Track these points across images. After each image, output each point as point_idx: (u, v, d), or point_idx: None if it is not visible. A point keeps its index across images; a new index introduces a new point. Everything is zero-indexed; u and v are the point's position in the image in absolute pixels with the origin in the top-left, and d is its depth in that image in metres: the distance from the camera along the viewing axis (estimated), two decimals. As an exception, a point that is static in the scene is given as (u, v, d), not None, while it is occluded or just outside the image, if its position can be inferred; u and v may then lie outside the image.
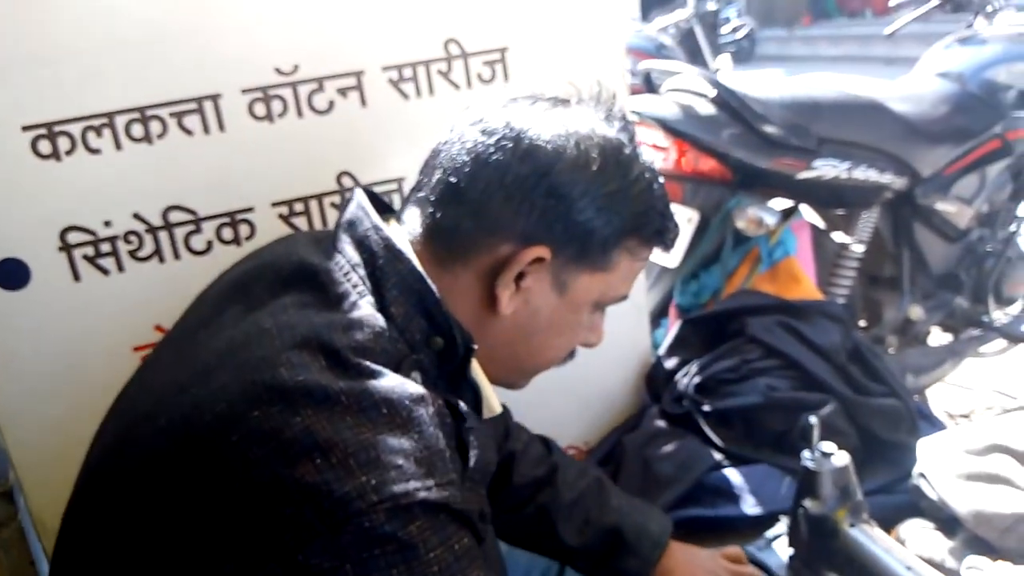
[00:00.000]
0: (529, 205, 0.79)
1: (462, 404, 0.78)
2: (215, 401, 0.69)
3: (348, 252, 0.80)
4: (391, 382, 0.70)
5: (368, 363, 0.71)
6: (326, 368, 0.69)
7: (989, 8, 2.55)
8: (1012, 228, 2.44)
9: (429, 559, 0.64)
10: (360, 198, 0.85)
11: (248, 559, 0.64)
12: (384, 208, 0.88)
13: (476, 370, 0.84)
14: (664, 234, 0.87)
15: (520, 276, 0.81)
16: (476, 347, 0.81)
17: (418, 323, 0.78)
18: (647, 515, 1.16)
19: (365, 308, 0.75)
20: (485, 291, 0.82)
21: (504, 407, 1.18)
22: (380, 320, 0.75)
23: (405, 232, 0.84)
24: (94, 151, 1.12)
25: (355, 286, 0.77)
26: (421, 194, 0.85)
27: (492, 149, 0.80)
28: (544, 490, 1.15)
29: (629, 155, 0.83)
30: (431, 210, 0.83)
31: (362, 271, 0.79)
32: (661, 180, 0.87)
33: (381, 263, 0.79)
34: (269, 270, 0.82)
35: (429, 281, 0.78)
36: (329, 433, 0.65)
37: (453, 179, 0.81)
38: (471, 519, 0.69)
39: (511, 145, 0.80)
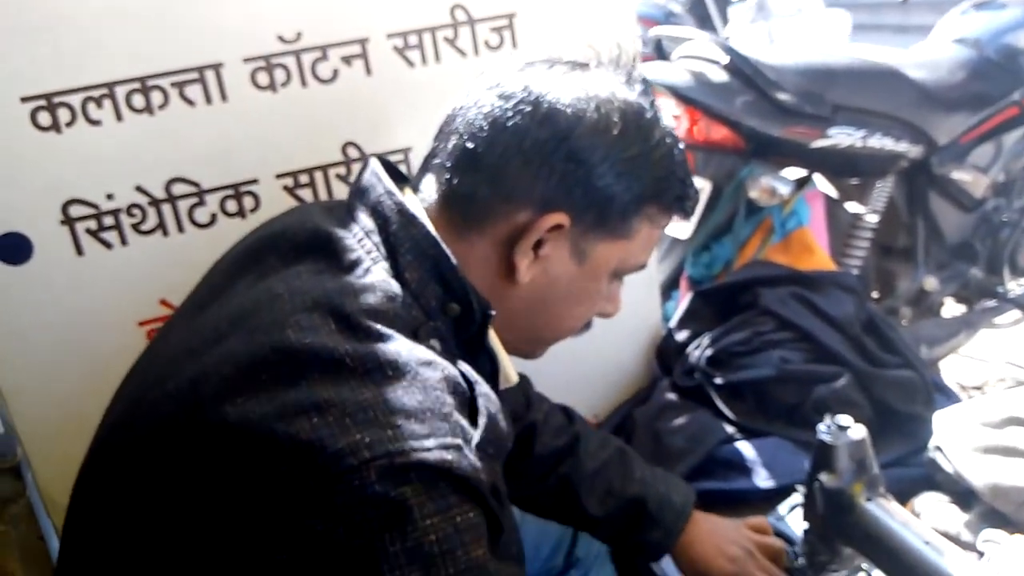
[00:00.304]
0: (548, 170, 0.78)
1: (473, 372, 0.76)
2: (222, 363, 0.68)
3: (362, 219, 0.79)
4: (400, 346, 0.69)
5: (379, 326, 0.69)
6: (335, 331, 0.68)
7: (1006, -28, 2.50)
8: (1029, 197, 2.41)
9: (425, 526, 0.61)
10: (374, 165, 0.84)
11: (250, 522, 0.63)
12: (399, 177, 0.87)
13: (493, 339, 0.83)
14: (684, 200, 0.86)
15: (538, 244, 0.80)
16: (493, 314, 0.80)
17: (433, 289, 0.76)
18: (670, 485, 1.15)
19: (378, 273, 0.74)
20: (502, 259, 0.81)
21: (524, 377, 1.17)
22: (394, 285, 0.74)
23: (419, 199, 0.83)
24: (95, 122, 1.10)
25: (368, 252, 0.76)
26: (437, 160, 0.83)
27: (510, 113, 0.78)
28: (566, 460, 1.14)
29: (650, 119, 0.82)
30: (447, 176, 0.81)
31: (376, 237, 0.77)
32: (681, 146, 0.85)
33: (395, 228, 0.77)
34: (282, 238, 0.80)
35: (444, 246, 0.77)
36: (329, 392, 0.64)
37: (470, 144, 0.79)
38: (480, 491, 0.65)
39: (529, 109, 0.78)
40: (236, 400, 0.65)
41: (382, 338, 0.69)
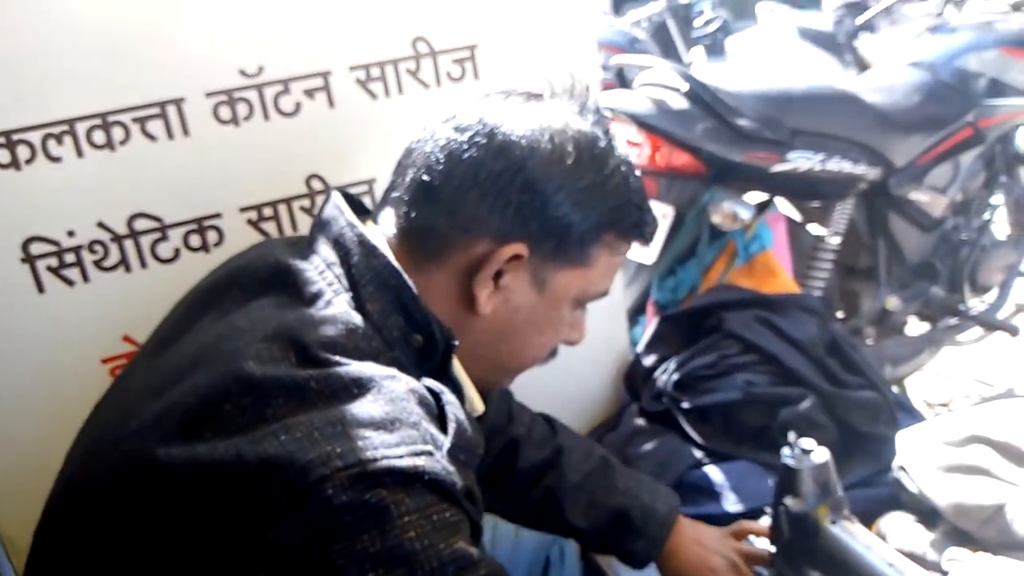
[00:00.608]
0: (504, 202, 0.78)
1: (437, 384, 0.76)
2: (185, 396, 0.68)
3: (323, 251, 0.80)
4: (361, 365, 0.69)
5: (338, 358, 0.70)
6: (294, 364, 0.68)
7: (958, -5, 2.57)
8: (986, 216, 2.46)
9: (404, 523, 0.61)
10: (336, 198, 0.84)
11: (222, 546, 0.62)
12: (360, 209, 0.87)
13: (458, 368, 0.83)
14: (642, 227, 0.87)
15: (498, 274, 0.80)
16: (456, 343, 0.80)
17: (395, 320, 0.77)
18: (655, 495, 1.15)
19: (339, 305, 0.75)
20: (463, 290, 0.81)
21: (507, 391, 1.18)
22: (355, 317, 0.74)
23: (380, 232, 0.83)
24: (55, 159, 1.09)
25: (330, 284, 0.77)
26: (395, 194, 0.84)
27: (465, 146, 0.79)
28: (549, 473, 1.14)
29: (604, 148, 0.83)
30: (405, 210, 0.82)
31: (337, 269, 0.78)
32: (637, 173, 0.86)
33: (356, 260, 0.78)
34: (244, 273, 0.81)
35: (406, 276, 0.77)
36: (298, 416, 0.64)
37: (426, 177, 0.80)
38: (454, 494, 0.66)
39: (484, 141, 0.79)
40: (203, 433, 0.65)
41: (340, 366, 0.69)
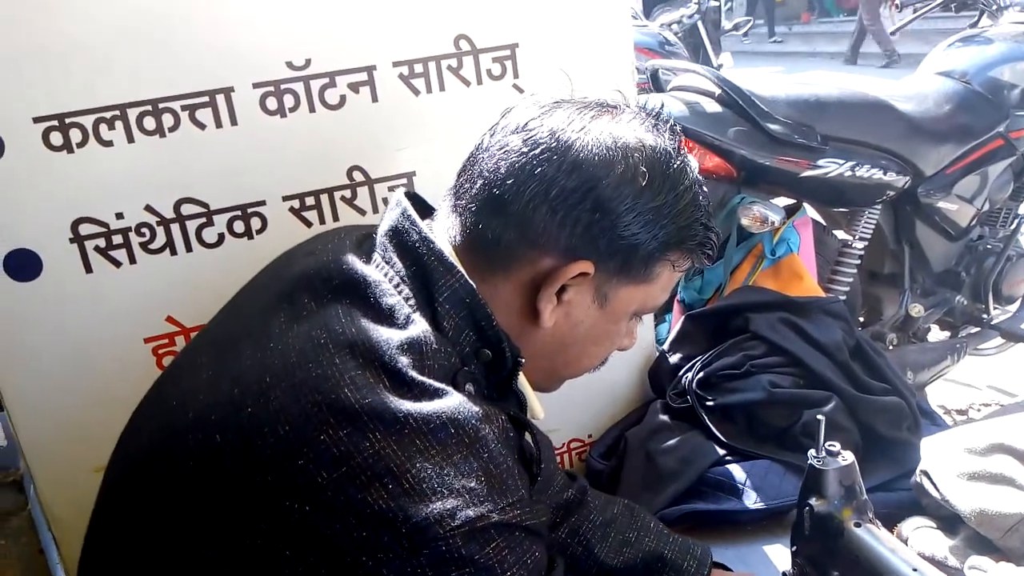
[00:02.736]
0: (574, 219, 0.78)
1: (521, 414, 0.79)
2: (276, 422, 0.68)
3: (395, 261, 0.79)
4: (454, 402, 0.70)
5: (430, 381, 0.70)
6: (390, 389, 0.69)
7: (994, 6, 2.56)
8: (1012, 227, 2.46)
9: None
10: (405, 204, 0.83)
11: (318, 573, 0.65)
12: (424, 208, 0.87)
13: (521, 379, 0.84)
14: (706, 245, 0.86)
15: (562, 289, 0.81)
16: (524, 361, 0.81)
17: (468, 336, 0.78)
18: (688, 540, 1.14)
19: (420, 323, 0.74)
20: (526, 303, 0.82)
21: None
22: (433, 336, 0.74)
23: (447, 241, 0.83)
24: (106, 143, 1.12)
25: (407, 299, 0.76)
26: (461, 202, 0.83)
27: (536, 161, 0.79)
28: (576, 511, 1.13)
29: (678, 168, 0.82)
30: (473, 219, 0.81)
31: (411, 284, 0.77)
32: (705, 190, 0.86)
33: (433, 276, 0.78)
34: (317, 278, 0.79)
35: (481, 296, 0.78)
36: (400, 459, 0.65)
37: (497, 191, 0.80)
38: (542, 534, 0.71)
39: (557, 158, 0.78)
40: (298, 463, 0.66)
41: (437, 394, 0.70)
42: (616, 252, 0.80)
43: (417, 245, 0.79)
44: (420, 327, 0.74)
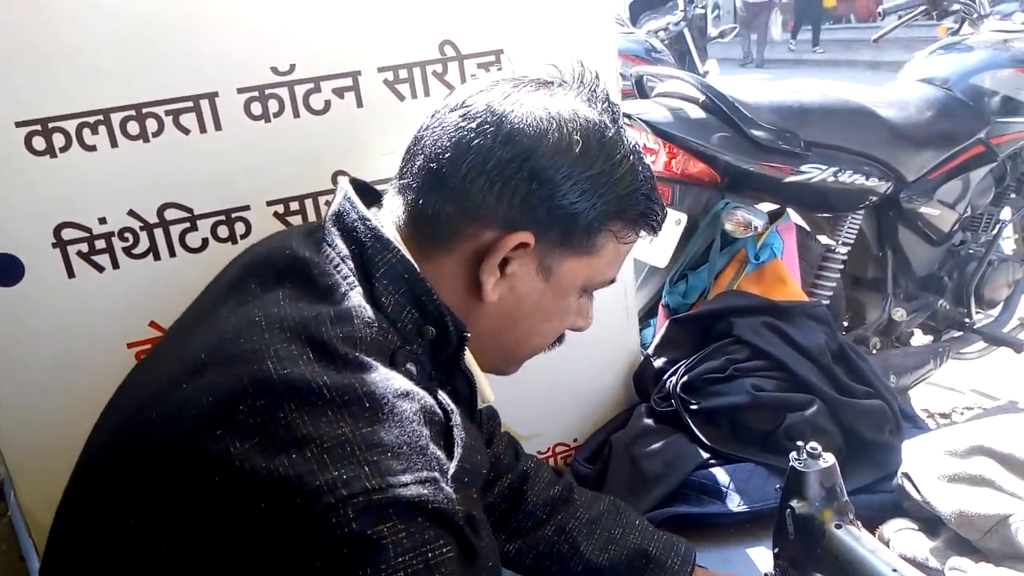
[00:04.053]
0: (511, 190, 0.79)
1: (451, 402, 0.77)
2: (202, 394, 0.68)
3: (337, 244, 0.80)
4: (377, 376, 0.69)
5: (357, 354, 0.70)
6: (313, 360, 0.68)
7: (974, 15, 2.59)
8: (994, 232, 2.48)
9: (397, 563, 0.62)
10: (347, 188, 0.84)
11: (228, 555, 0.64)
12: (369, 193, 0.88)
13: (469, 359, 0.84)
14: (649, 216, 0.87)
15: (504, 262, 0.81)
16: (469, 335, 0.81)
17: (409, 313, 0.78)
18: (672, 537, 1.15)
19: (354, 299, 0.75)
20: (470, 278, 0.82)
21: (508, 434, 1.18)
22: (370, 311, 0.74)
23: (391, 221, 0.84)
24: (89, 148, 1.12)
25: (345, 277, 0.77)
26: (403, 181, 0.85)
27: (473, 134, 0.79)
28: (561, 509, 1.14)
29: (612, 137, 0.83)
30: (413, 196, 0.82)
31: (351, 262, 0.78)
32: (646, 161, 0.86)
33: (370, 253, 0.78)
34: (262, 265, 0.81)
35: (419, 270, 0.78)
36: (308, 429, 0.64)
37: (434, 165, 0.81)
38: (455, 522, 0.66)
39: (492, 129, 0.79)
40: (215, 433, 0.66)
41: (361, 367, 0.69)
42: (556, 222, 0.81)
43: (356, 224, 0.80)
44: (354, 301, 0.74)
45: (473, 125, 0.80)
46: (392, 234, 0.80)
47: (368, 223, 0.80)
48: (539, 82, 0.85)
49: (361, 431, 0.65)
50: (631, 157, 0.84)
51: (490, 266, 0.81)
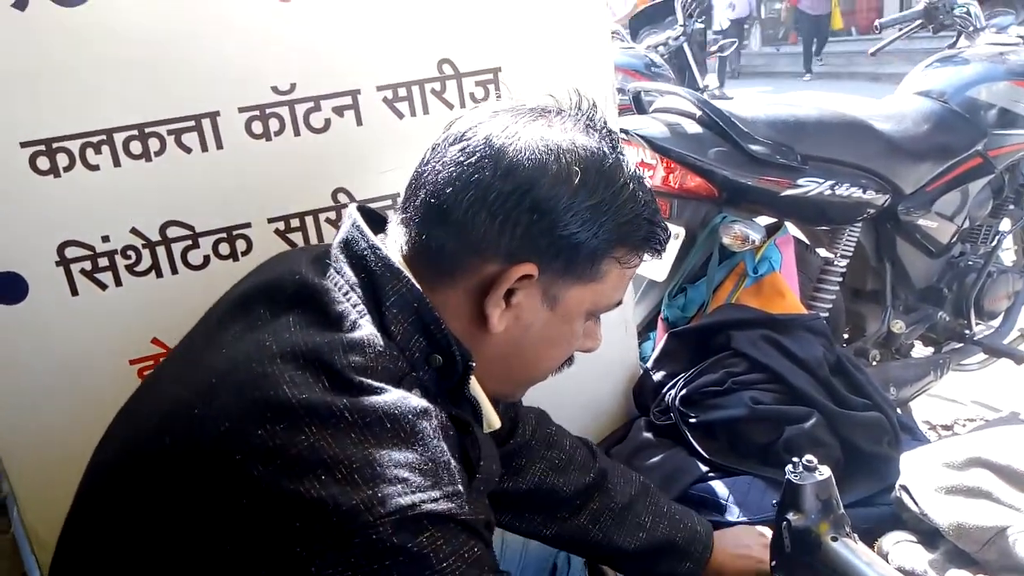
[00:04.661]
0: (513, 223, 0.79)
1: (467, 414, 0.79)
2: (218, 420, 0.70)
3: (346, 271, 0.81)
4: (393, 397, 0.71)
5: (370, 380, 0.71)
6: (328, 388, 0.70)
7: (971, 28, 2.60)
8: (993, 243, 2.49)
9: (443, 568, 0.66)
10: (355, 216, 0.85)
11: (256, 572, 0.65)
12: (379, 222, 0.89)
13: (475, 386, 0.85)
14: (652, 240, 0.87)
15: (509, 293, 0.82)
16: (474, 364, 0.82)
17: (417, 341, 0.79)
18: (694, 520, 1.18)
19: (366, 328, 0.76)
20: (475, 309, 0.83)
21: (543, 412, 1.21)
22: (380, 340, 0.75)
23: (396, 250, 0.85)
24: (92, 167, 1.14)
25: (355, 305, 0.78)
26: (407, 214, 0.85)
27: (472, 168, 0.80)
28: (596, 497, 1.16)
29: (612, 165, 0.83)
30: (417, 231, 0.83)
31: (360, 291, 0.79)
32: (647, 185, 0.87)
33: (380, 282, 0.79)
34: (271, 289, 0.82)
35: (427, 299, 0.79)
36: (334, 450, 0.66)
37: (435, 200, 0.81)
38: (478, 529, 0.70)
39: (491, 163, 0.80)
40: (235, 458, 0.67)
41: (375, 391, 0.71)
42: (559, 252, 0.81)
43: (365, 253, 0.81)
44: (366, 331, 0.75)
45: (473, 159, 0.80)
46: (402, 264, 0.81)
47: (378, 252, 0.81)
48: (537, 111, 0.85)
49: (387, 450, 0.67)
50: (631, 183, 0.84)
51: (495, 298, 0.81)
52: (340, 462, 0.66)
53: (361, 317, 0.77)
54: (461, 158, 0.81)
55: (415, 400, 0.72)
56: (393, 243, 0.86)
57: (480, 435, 0.80)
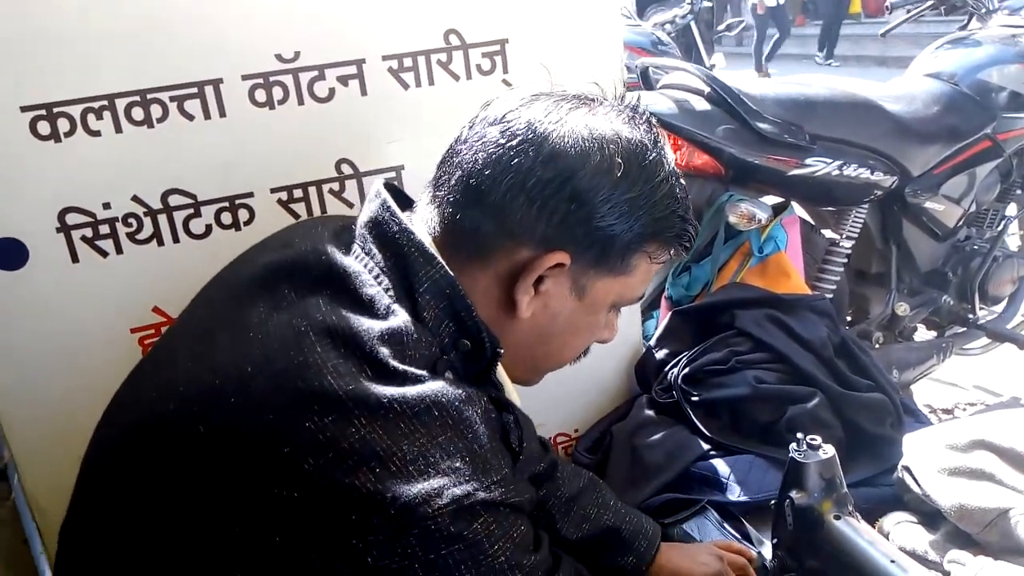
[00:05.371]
0: (551, 210, 0.79)
1: (505, 397, 0.80)
2: (260, 411, 0.69)
3: (375, 252, 0.80)
4: (437, 386, 0.71)
5: (411, 369, 0.71)
6: (371, 378, 0.69)
7: (983, 10, 2.58)
8: (999, 228, 2.47)
9: (495, 551, 0.68)
10: (385, 196, 0.83)
11: (310, 562, 0.66)
12: (403, 201, 0.88)
13: (499, 370, 0.85)
14: (683, 237, 0.87)
15: (539, 280, 0.81)
16: (502, 351, 0.82)
17: (447, 327, 0.78)
18: (642, 517, 1.18)
19: (401, 314, 0.75)
20: (503, 293, 0.82)
21: None
22: (415, 325, 0.75)
23: (426, 231, 0.83)
24: (94, 133, 1.12)
25: (387, 290, 0.77)
26: (440, 192, 0.84)
27: (513, 152, 0.79)
28: (544, 486, 1.15)
29: (653, 160, 0.83)
30: (451, 211, 0.82)
31: (391, 274, 0.78)
32: (683, 183, 0.87)
33: (414, 267, 0.78)
34: (294, 267, 0.80)
35: (460, 286, 0.78)
36: (386, 442, 0.67)
37: (474, 181, 0.80)
38: (525, 509, 0.73)
39: (534, 148, 0.79)
40: (283, 451, 0.67)
41: (418, 380, 0.71)
42: (593, 243, 0.81)
43: (397, 236, 0.80)
44: (401, 318, 0.74)
45: (514, 143, 0.80)
46: (435, 249, 0.80)
47: (412, 236, 0.79)
48: (580, 99, 0.85)
49: (437, 440, 0.68)
50: (671, 180, 0.84)
51: (526, 284, 0.81)
52: (393, 454, 0.66)
53: (394, 302, 0.76)
54: (502, 140, 0.80)
55: (457, 387, 0.72)
56: (421, 223, 0.85)
57: (521, 416, 0.80)
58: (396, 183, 1.28)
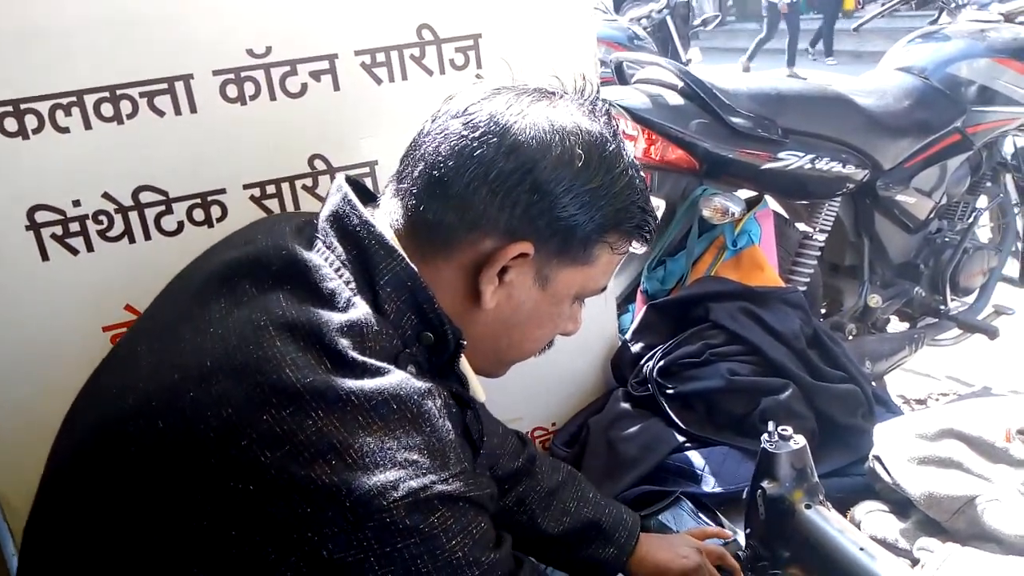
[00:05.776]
0: (513, 201, 0.79)
1: (467, 393, 0.79)
2: (219, 406, 0.68)
3: (335, 246, 0.80)
4: (396, 378, 0.71)
5: (371, 360, 0.71)
6: (331, 370, 0.69)
7: (953, 4, 2.61)
8: (969, 220, 2.51)
9: (452, 546, 0.67)
10: (346, 189, 0.84)
11: (265, 556, 0.65)
12: (365, 194, 0.88)
13: (463, 361, 0.85)
14: (644, 227, 0.88)
15: (503, 271, 0.82)
16: (465, 343, 0.82)
17: (409, 319, 0.79)
18: (621, 509, 1.19)
19: (361, 306, 0.75)
20: (467, 285, 0.83)
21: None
22: (376, 318, 0.75)
23: (388, 224, 0.84)
24: (63, 130, 1.11)
25: (347, 283, 0.77)
26: (403, 185, 0.84)
27: (476, 144, 0.80)
28: (523, 481, 1.16)
29: (613, 151, 0.84)
30: (414, 203, 0.82)
31: (352, 268, 0.78)
32: (642, 174, 0.88)
33: (374, 260, 0.78)
34: (255, 263, 0.79)
35: (422, 279, 0.79)
36: (343, 435, 0.66)
37: (436, 173, 0.81)
38: (485, 505, 0.72)
39: (496, 140, 0.80)
40: (240, 444, 0.66)
41: (378, 372, 0.71)
42: (555, 233, 0.82)
43: (358, 229, 0.80)
44: (361, 310, 0.75)
45: (476, 135, 0.80)
46: (395, 241, 0.81)
47: (372, 229, 0.80)
48: (541, 92, 0.86)
49: (395, 433, 0.68)
50: (630, 171, 0.85)
51: (490, 274, 0.82)
52: (350, 446, 0.66)
53: (355, 295, 0.76)
54: (465, 132, 0.81)
55: (417, 381, 0.72)
56: (384, 217, 0.85)
57: (481, 411, 0.80)
58: (370, 179, 1.28)
